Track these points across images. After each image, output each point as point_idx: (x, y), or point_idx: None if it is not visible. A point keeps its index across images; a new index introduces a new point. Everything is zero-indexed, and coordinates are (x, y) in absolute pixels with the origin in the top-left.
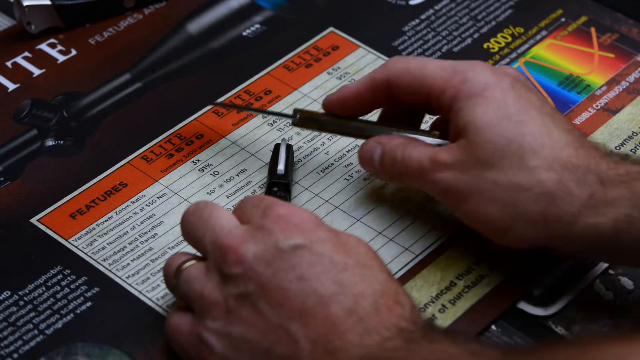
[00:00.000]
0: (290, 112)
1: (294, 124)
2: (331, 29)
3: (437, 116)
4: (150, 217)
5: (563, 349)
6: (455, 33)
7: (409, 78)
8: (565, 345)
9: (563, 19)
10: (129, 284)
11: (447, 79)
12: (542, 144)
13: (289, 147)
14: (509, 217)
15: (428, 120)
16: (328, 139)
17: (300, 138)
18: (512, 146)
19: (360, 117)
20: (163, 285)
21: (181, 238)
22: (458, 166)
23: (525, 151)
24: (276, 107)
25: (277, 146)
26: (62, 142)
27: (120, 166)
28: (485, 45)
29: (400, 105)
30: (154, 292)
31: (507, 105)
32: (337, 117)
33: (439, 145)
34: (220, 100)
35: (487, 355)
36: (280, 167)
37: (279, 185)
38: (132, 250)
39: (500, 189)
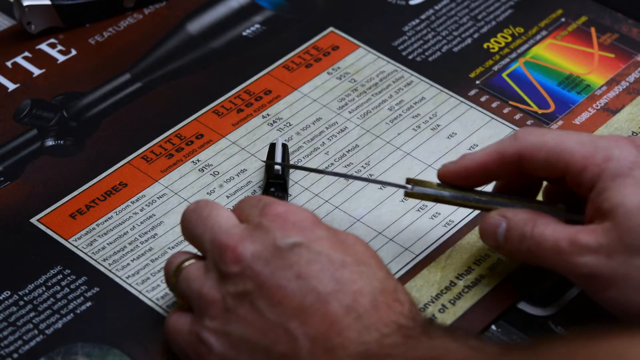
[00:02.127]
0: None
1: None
2: (331, 29)
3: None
4: (150, 217)
5: (562, 344)
6: (455, 33)
7: (545, 153)
8: (564, 341)
9: (563, 19)
10: (129, 284)
11: (588, 156)
12: None
13: (285, 146)
14: None
15: None
16: (328, 139)
17: (300, 138)
18: None
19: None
20: (163, 285)
21: (181, 238)
22: (603, 251)
23: None
24: (276, 107)
25: (273, 146)
26: (62, 142)
27: (120, 166)
28: (485, 45)
29: (523, 177)
30: (154, 292)
31: None
32: (455, 188)
33: (569, 221)
34: (220, 100)
35: (485, 351)
36: (277, 166)
37: (276, 185)
38: (132, 250)
39: None
